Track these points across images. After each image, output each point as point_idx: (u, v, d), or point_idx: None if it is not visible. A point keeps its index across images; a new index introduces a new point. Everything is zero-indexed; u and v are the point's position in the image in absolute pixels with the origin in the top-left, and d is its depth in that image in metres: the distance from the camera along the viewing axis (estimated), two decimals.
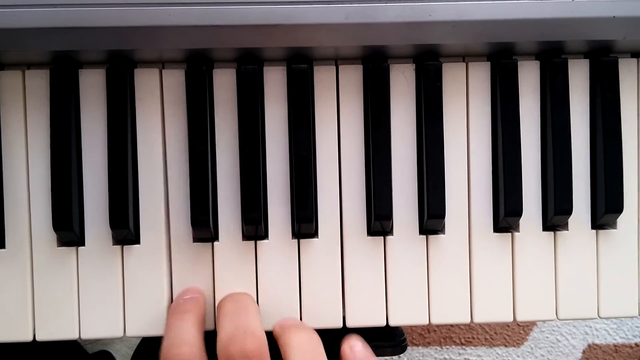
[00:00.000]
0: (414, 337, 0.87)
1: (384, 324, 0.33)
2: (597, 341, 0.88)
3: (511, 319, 0.34)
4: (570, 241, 0.34)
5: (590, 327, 0.88)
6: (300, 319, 0.33)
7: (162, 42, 0.30)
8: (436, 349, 0.87)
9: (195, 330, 0.30)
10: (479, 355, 0.87)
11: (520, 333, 0.87)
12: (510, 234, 0.34)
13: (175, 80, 0.32)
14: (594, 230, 0.34)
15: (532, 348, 0.88)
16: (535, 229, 0.34)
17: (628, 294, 0.34)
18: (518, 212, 0.33)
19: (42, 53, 0.30)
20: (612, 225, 0.34)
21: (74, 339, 0.33)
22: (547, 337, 0.88)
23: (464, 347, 0.87)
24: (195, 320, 0.31)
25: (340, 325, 0.33)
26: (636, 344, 0.88)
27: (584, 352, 0.88)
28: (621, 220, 0.34)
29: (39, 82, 0.32)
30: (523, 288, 0.34)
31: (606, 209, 0.33)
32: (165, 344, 0.30)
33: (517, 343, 0.87)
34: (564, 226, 0.34)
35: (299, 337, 0.30)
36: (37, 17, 0.28)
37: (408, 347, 0.87)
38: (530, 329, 0.87)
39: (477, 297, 0.33)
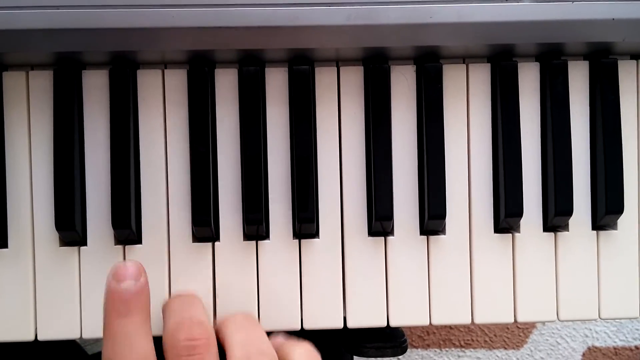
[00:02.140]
0: (413, 339, 0.87)
1: (385, 324, 0.33)
2: (597, 344, 0.88)
3: (512, 320, 0.34)
4: (571, 242, 0.34)
5: (590, 329, 0.88)
6: (301, 319, 0.33)
7: (165, 43, 0.30)
8: (435, 351, 0.87)
9: (146, 336, 0.27)
10: (478, 358, 0.87)
11: (520, 335, 0.87)
12: (510, 234, 0.34)
13: (177, 81, 0.33)
14: (595, 231, 0.34)
15: (531, 350, 0.87)
16: (536, 229, 0.34)
17: (629, 295, 0.34)
18: (519, 213, 0.33)
19: (46, 54, 0.30)
20: (612, 226, 0.34)
21: (76, 339, 0.33)
22: (547, 340, 0.88)
23: (463, 349, 0.87)
24: (143, 320, 0.27)
25: (341, 325, 0.33)
26: (636, 347, 0.88)
27: (583, 354, 0.88)
28: (622, 221, 0.34)
29: (42, 83, 0.32)
30: (524, 289, 0.34)
31: (606, 210, 0.33)
32: (108, 355, 0.27)
33: (516, 345, 0.87)
34: (565, 227, 0.34)
35: (232, 318, 0.30)
36: (41, 19, 0.29)
37: (407, 349, 0.87)
38: (530, 332, 0.87)
39: (478, 298, 0.34)
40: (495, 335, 0.87)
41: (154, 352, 0.28)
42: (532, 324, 0.88)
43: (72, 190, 0.31)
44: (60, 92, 0.32)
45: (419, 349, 0.87)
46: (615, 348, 0.88)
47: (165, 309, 0.31)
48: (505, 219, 0.33)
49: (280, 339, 0.31)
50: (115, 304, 0.27)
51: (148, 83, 0.33)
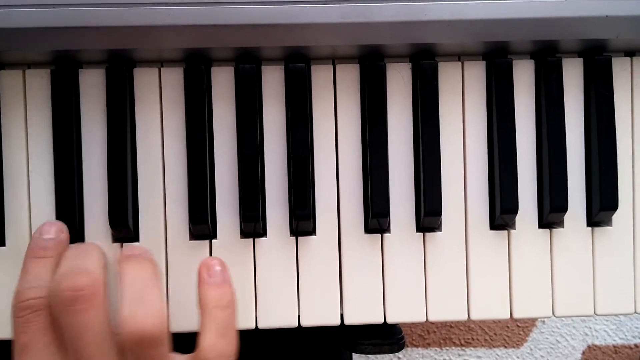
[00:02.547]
0: (413, 338, 0.87)
1: (382, 321, 0.34)
2: (596, 342, 0.88)
3: (508, 316, 0.34)
4: (566, 239, 0.34)
5: (590, 328, 0.88)
6: (298, 316, 0.33)
7: (161, 41, 0.30)
8: (436, 350, 0.87)
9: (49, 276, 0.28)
10: (478, 357, 0.87)
11: (520, 334, 0.87)
12: (506, 231, 0.34)
13: (174, 79, 0.33)
14: (590, 228, 0.34)
15: (531, 349, 0.88)
16: (531, 226, 0.34)
17: (624, 291, 0.34)
18: (514, 210, 0.33)
19: (43, 52, 0.31)
20: (607, 222, 0.34)
21: None
22: (547, 338, 0.88)
23: (463, 348, 0.87)
24: (55, 265, 0.28)
25: (338, 322, 0.34)
26: (635, 345, 0.88)
27: (583, 353, 0.88)
28: (616, 217, 0.34)
29: (39, 82, 0.32)
30: (519, 285, 0.34)
31: (601, 206, 0.33)
32: (17, 289, 0.28)
33: (516, 344, 0.87)
34: (560, 224, 0.34)
35: (130, 264, 0.28)
36: (38, 17, 0.29)
37: (408, 349, 0.87)
38: (530, 330, 0.87)
39: (474, 294, 0.34)
40: (495, 334, 0.87)
41: None
42: (532, 323, 0.88)
43: (72, 189, 0.31)
44: (57, 91, 0.32)
45: (420, 348, 0.87)
46: (615, 346, 0.88)
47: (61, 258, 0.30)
48: (501, 216, 0.33)
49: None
50: (34, 249, 0.30)
51: (145, 81, 0.33)
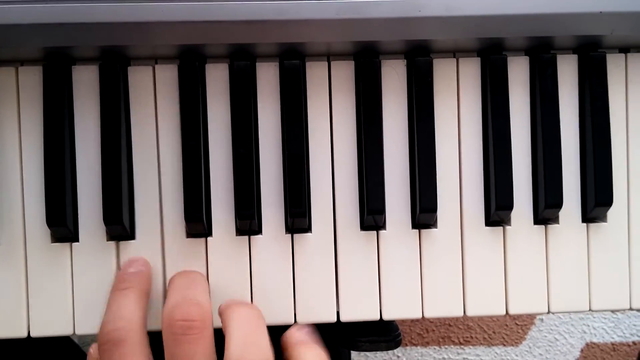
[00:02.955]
0: (412, 336, 0.87)
1: (378, 318, 0.34)
2: (595, 340, 0.88)
3: (504, 313, 0.34)
4: (561, 235, 0.34)
5: (588, 325, 0.88)
6: (294, 314, 0.33)
7: (155, 38, 0.30)
8: (435, 348, 0.87)
9: (135, 304, 0.30)
10: (477, 355, 0.87)
11: (519, 332, 0.88)
12: (502, 227, 0.34)
13: (168, 76, 0.33)
14: (585, 224, 0.34)
15: (530, 347, 0.88)
16: (527, 222, 0.34)
17: (619, 286, 0.34)
18: (509, 206, 0.33)
19: (35, 49, 0.30)
20: (602, 218, 0.35)
21: (69, 335, 0.33)
22: (546, 336, 0.88)
23: (462, 346, 0.87)
24: (137, 295, 0.30)
25: (335, 319, 0.34)
26: (634, 343, 0.89)
27: (582, 350, 0.88)
28: (611, 213, 0.34)
29: (32, 79, 0.32)
30: (515, 281, 0.34)
31: (596, 202, 0.33)
32: (102, 322, 0.30)
33: (515, 342, 0.87)
34: (555, 220, 0.34)
35: (239, 309, 0.31)
36: (30, 13, 0.29)
37: (407, 347, 0.87)
38: (529, 328, 0.87)
39: (470, 291, 0.34)
40: (494, 332, 0.87)
41: (143, 321, 0.30)
42: (530, 321, 0.88)
43: (63, 186, 0.31)
44: (50, 88, 0.32)
45: (418, 347, 0.87)
46: (613, 344, 0.88)
47: (169, 284, 0.32)
48: (496, 212, 0.33)
49: (298, 336, 0.32)
50: (117, 284, 0.31)
51: (139, 78, 0.33)
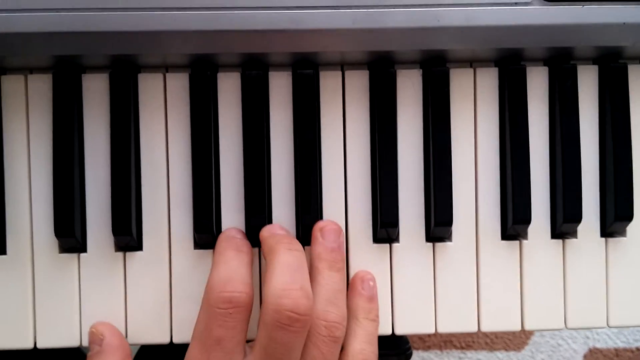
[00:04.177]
0: (414, 340, 0.86)
1: (390, 332, 0.33)
2: (598, 345, 0.87)
3: (519, 328, 0.33)
4: (579, 249, 0.33)
5: (592, 331, 0.88)
6: None
7: (166, 47, 0.29)
8: (436, 352, 0.86)
9: (250, 276, 0.28)
10: (479, 359, 0.87)
11: (521, 337, 0.87)
12: (518, 241, 0.33)
13: (179, 84, 0.32)
14: (604, 239, 0.34)
15: (533, 352, 0.87)
16: (544, 236, 0.33)
17: (637, 302, 0.34)
18: (526, 220, 0.32)
19: (45, 57, 0.30)
20: (621, 233, 0.34)
21: (76, 347, 0.32)
22: (548, 342, 0.87)
23: (464, 350, 0.86)
24: (250, 264, 0.29)
25: None
26: (637, 348, 0.88)
27: (585, 356, 0.87)
28: (631, 228, 0.34)
29: (41, 87, 0.31)
30: (531, 297, 0.33)
31: (616, 216, 0.32)
32: (220, 276, 0.28)
33: (517, 347, 0.87)
34: (573, 234, 0.34)
35: (329, 271, 0.30)
36: (40, 22, 0.28)
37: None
38: (531, 333, 0.87)
39: (484, 306, 0.33)
40: (496, 337, 0.87)
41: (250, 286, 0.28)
42: None
43: (72, 196, 0.31)
44: (59, 96, 0.31)
45: (420, 351, 0.87)
46: (616, 349, 0.88)
47: (267, 244, 0.30)
48: (513, 226, 0.33)
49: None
50: (231, 243, 0.30)
51: (149, 87, 0.32)
